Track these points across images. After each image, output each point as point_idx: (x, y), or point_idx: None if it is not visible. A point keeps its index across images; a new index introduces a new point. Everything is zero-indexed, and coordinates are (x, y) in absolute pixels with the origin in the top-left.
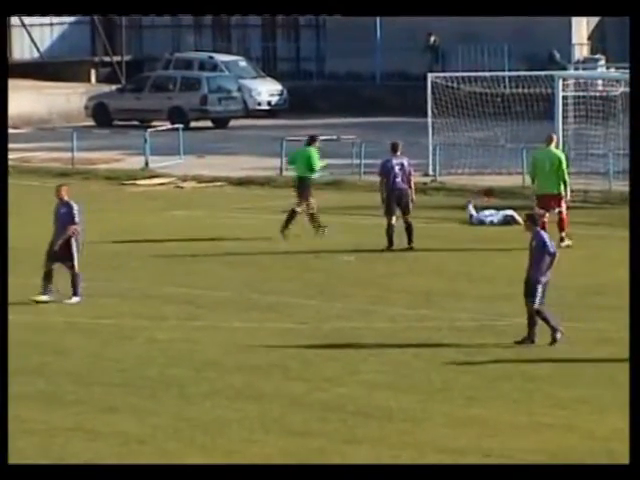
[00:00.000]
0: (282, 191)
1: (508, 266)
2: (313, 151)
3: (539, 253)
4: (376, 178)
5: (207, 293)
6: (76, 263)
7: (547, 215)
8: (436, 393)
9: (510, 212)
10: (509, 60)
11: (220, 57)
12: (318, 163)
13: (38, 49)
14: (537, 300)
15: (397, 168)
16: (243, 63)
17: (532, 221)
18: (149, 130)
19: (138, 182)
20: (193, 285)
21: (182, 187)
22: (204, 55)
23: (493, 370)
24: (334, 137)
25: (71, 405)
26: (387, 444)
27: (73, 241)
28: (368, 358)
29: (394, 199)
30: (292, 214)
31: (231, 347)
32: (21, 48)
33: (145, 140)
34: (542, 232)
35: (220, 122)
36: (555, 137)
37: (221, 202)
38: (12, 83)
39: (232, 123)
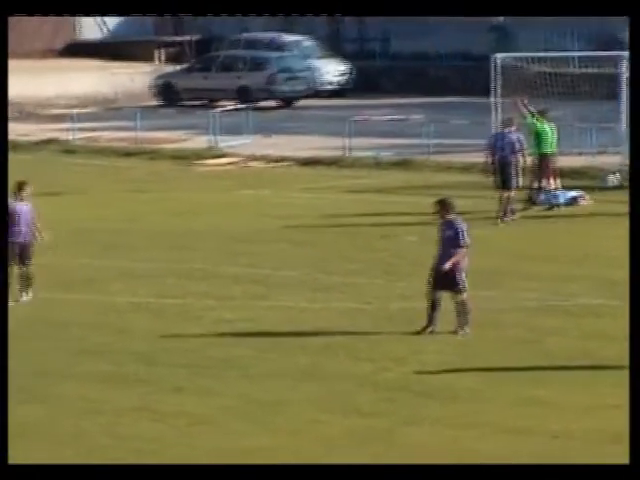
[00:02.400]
0: (349, 171)
1: (574, 246)
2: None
3: (453, 243)
4: (442, 158)
5: (274, 273)
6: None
7: None
8: (501, 373)
9: (577, 192)
10: (578, 41)
11: (287, 37)
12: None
13: (108, 28)
14: (464, 287)
15: (499, 143)
16: (309, 43)
17: (445, 208)
18: (216, 110)
19: (205, 162)
20: (260, 265)
21: (249, 167)
22: (271, 35)
23: (558, 351)
24: (402, 117)
25: (136, 385)
26: (450, 424)
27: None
28: (433, 338)
29: (497, 173)
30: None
31: (297, 327)
32: (89, 27)
33: (212, 119)
34: (458, 221)
35: (287, 102)
36: None
37: (288, 182)
38: (79, 63)
39: (299, 103)
